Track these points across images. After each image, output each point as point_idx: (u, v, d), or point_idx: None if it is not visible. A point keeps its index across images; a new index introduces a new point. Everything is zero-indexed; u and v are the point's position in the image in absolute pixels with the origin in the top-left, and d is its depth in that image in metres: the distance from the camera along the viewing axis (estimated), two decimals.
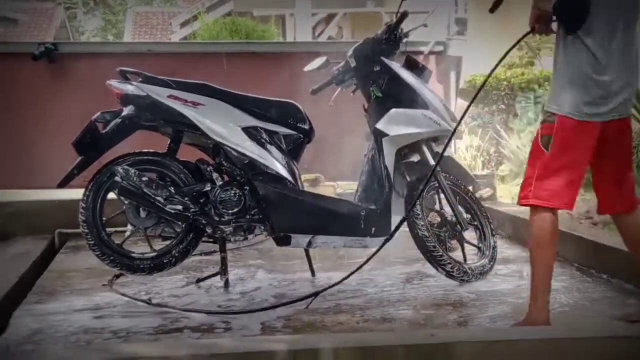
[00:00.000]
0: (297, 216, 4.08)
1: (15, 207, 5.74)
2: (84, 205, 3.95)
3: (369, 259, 3.83)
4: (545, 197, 3.31)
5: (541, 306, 3.31)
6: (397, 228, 3.99)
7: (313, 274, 4.46)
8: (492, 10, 3.54)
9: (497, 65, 3.63)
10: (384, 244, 3.92)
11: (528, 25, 3.38)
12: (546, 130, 3.34)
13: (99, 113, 4.03)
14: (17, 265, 4.55)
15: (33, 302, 4.00)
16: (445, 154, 4.35)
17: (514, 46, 3.51)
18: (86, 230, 3.94)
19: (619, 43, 3.25)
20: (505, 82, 8.84)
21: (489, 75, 3.77)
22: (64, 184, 3.98)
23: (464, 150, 8.03)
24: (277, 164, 4.04)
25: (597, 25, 3.22)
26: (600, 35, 3.23)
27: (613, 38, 3.24)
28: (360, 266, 3.82)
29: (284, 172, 4.05)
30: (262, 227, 4.11)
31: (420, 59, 4.88)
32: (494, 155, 8.28)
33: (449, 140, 3.96)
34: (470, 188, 4.66)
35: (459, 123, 3.95)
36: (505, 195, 6.73)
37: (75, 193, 4.16)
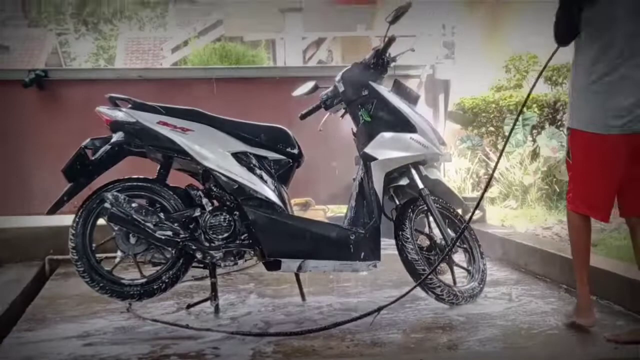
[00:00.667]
0: (286, 241, 4.07)
1: (6, 234, 5.72)
2: (73, 231, 3.93)
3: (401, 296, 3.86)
4: (576, 204, 3.72)
5: (582, 294, 3.74)
6: (414, 287, 4.03)
7: (304, 298, 4.44)
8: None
9: (537, 80, 4.13)
10: (415, 286, 3.93)
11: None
12: (568, 143, 3.76)
13: (88, 139, 4.03)
14: (8, 292, 4.53)
15: (23, 329, 3.97)
16: (434, 177, 4.39)
17: (548, 62, 3.96)
18: (76, 257, 3.92)
19: (629, 62, 3.51)
20: (493, 105, 8.89)
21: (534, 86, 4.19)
22: (53, 210, 3.97)
23: (454, 173, 8.05)
24: (266, 189, 4.05)
25: (606, 45, 3.52)
26: (609, 55, 3.52)
27: (622, 57, 3.51)
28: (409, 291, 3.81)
29: (273, 197, 4.06)
30: (252, 252, 4.10)
31: (408, 82, 4.89)
32: (484, 177, 8.30)
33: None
34: (460, 211, 4.67)
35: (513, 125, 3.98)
36: (495, 218, 6.74)
37: (66, 219, 4.15)
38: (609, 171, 3.62)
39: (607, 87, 3.54)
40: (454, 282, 4.31)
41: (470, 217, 4.28)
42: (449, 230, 4.34)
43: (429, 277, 4.12)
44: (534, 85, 4.20)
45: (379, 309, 3.89)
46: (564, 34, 3.67)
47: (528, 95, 4.31)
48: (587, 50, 3.61)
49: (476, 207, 4.37)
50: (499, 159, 4.47)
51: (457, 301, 4.20)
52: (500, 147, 8.49)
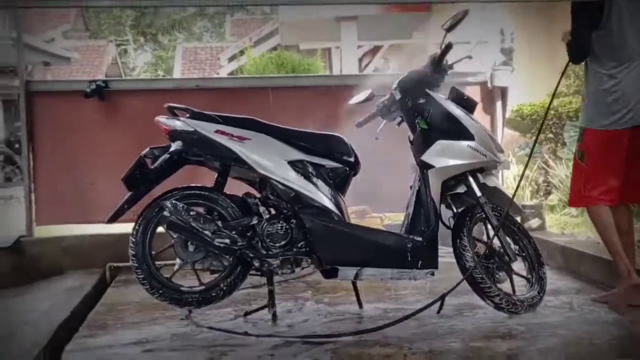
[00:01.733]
0: (343, 249, 4.09)
1: (68, 242, 5.84)
2: (133, 239, 4.00)
3: (438, 299, 3.94)
4: (593, 197, 4.38)
5: (623, 269, 4.31)
6: (460, 283, 4.01)
7: (360, 306, 4.44)
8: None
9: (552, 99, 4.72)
10: (456, 286, 3.90)
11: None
12: (580, 147, 4.49)
13: (148, 149, 4.10)
14: (70, 298, 4.63)
15: (85, 335, 4.05)
16: (492, 184, 4.35)
17: (562, 77, 4.48)
18: (136, 264, 3.99)
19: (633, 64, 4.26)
20: (552, 111, 8.76)
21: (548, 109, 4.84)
22: (114, 219, 4.05)
23: (512, 180, 7.96)
24: (323, 196, 4.06)
25: (617, 57, 4.27)
26: (614, 60, 4.28)
27: (627, 60, 4.27)
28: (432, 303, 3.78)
29: (330, 204, 4.07)
30: (309, 260, 4.12)
31: (465, 89, 4.86)
32: (543, 184, 8.19)
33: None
34: (518, 219, 4.62)
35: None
36: (555, 226, 6.65)
37: (126, 228, 4.22)
38: (620, 161, 4.32)
39: (617, 89, 4.26)
40: (513, 291, 4.26)
41: (506, 212, 4.31)
42: (507, 238, 4.30)
43: (487, 285, 4.09)
44: (553, 94, 4.67)
45: (442, 297, 4.03)
46: (577, 54, 4.36)
47: (550, 102, 4.75)
48: (599, 60, 4.33)
49: (510, 203, 4.34)
50: (527, 162, 4.67)
51: (517, 310, 4.15)
52: (560, 154, 8.37)
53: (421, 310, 3.97)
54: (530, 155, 4.61)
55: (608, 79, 4.30)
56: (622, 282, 4.35)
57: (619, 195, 4.37)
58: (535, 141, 4.87)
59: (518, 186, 4.61)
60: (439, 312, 4.11)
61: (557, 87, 4.58)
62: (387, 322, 3.91)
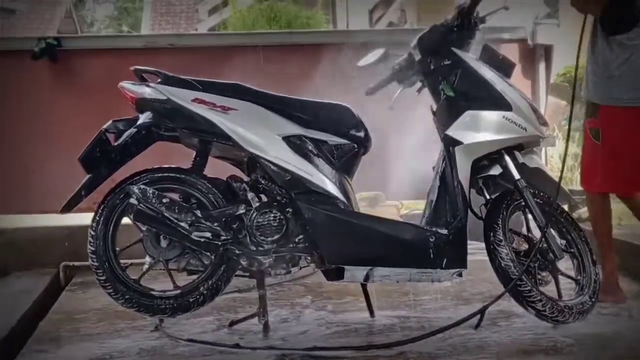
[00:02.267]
0: (351, 244, 4.08)
1: (12, 236, 5.84)
2: (93, 233, 3.99)
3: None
4: (597, 184, 4.77)
5: (608, 272, 4.72)
6: (502, 295, 3.97)
7: (372, 314, 4.45)
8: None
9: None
10: (497, 298, 3.92)
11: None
12: (593, 124, 4.71)
13: (110, 122, 4.08)
14: (16, 305, 4.64)
15: (34, 350, 4.05)
16: (533, 164, 4.34)
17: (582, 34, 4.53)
18: (96, 264, 3.98)
19: None
20: None
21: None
22: (69, 208, 4.04)
23: (558, 160, 7.95)
24: (326, 180, 4.06)
25: None
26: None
27: None
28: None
29: (334, 190, 4.07)
30: (309, 258, 4.12)
31: (500, 48, 4.85)
32: None
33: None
34: (566, 207, 4.61)
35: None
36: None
37: (84, 218, 4.22)
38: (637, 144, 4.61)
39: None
40: (560, 295, 4.27)
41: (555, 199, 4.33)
42: (552, 230, 4.30)
43: (528, 288, 4.09)
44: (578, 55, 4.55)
45: (482, 310, 4.08)
46: (618, 23, 4.54)
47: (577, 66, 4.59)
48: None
49: (558, 188, 4.34)
50: (568, 136, 4.55)
51: (563, 318, 4.16)
52: None
53: (449, 327, 3.97)
54: (569, 128, 4.56)
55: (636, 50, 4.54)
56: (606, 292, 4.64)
57: (629, 182, 4.76)
58: (571, 112, 4.77)
59: (563, 166, 4.61)
60: (477, 327, 4.11)
61: (579, 51, 4.54)
62: (404, 335, 3.92)
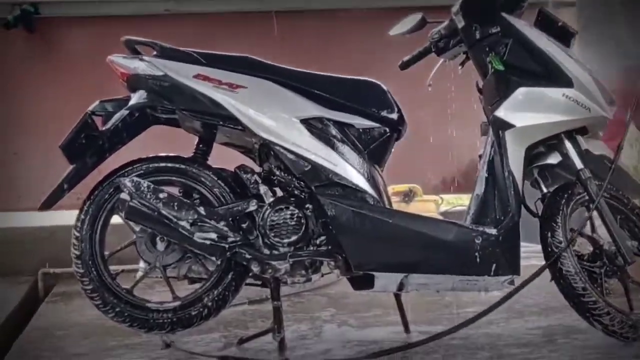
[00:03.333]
0: (382, 246, 4.07)
1: None
2: (77, 234, 4.01)
3: (491, 309, 3.81)
4: None
5: None
6: (539, 273, 3.97)
7: (407, 329, 4.45)
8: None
9: None
10: (520, 287, 3.91)
11: None
12: None
13: (97, 102, 4.09)
14: None
15: None
16: (599, 151, 4.32)
17: None
18: (81, 270, 3.99)
19: None
20: None
21: None
22: (49, 204, 4.04)
23: (629, 147, 7.92)
24: (352, 170, 4.05)
25: None
26: None
27: None
28: (478, 316, 3.80)
29: (362, 182, 4.06)
30: (333, 264, 4.11)
31: (560, 13, 4.83)
32: None
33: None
34: (637, 201, 4.60)
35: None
36: None
37: (66, 217, 4.23)
38: None
39: None
40: (631, 308, 4.26)
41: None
42: (622, 231, 4.28)
43: (593, 299, 4.07)
44: None
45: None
46: None
47: None
48: None
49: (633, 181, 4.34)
50: (629, 115, 4.48)
51: (635, 335, 4.15)
52: None
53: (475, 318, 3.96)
54: (633, 106, 4.52)
55: None
56: None
57: None
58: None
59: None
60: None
61: None
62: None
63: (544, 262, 4.17)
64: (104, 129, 4.03)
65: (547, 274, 4.17)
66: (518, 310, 4.69)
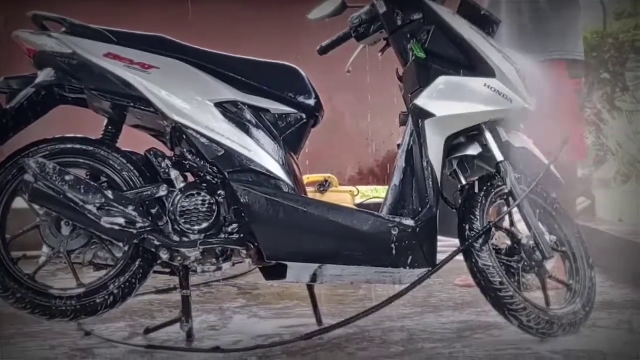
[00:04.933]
0: (296, 236, 4.07)
1: None
2: None
3: (394, 298, 3.84)
4: None
5: None
6: (450, 258, 3.99)
7: (319, 321, 4.46)
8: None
9: None
10: (424, 277, 3.94)
11: None
12: None
13: (1, 79, 4.05)
14: None
15: None
16: (520, 144, 4.37)
17: None
18: None
19: None
20: (610, 40, 8.76)
21: None
22: None
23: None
24: (266, 156, 4.05)
25: None
26: None
27: None
28: (378, 306, 3.82)
29: (276, 169, 4.06)
30: (244, 252, 4.11)
31: (483, 1, 4.88)
32: (593, 148, 8.24)
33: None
34: (557, 196, 4.66)
35: None
36: (609, 209, 6.72)
37: None
38: None
39: None
40: (547, 303, 4.31)
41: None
42: (540, 224, 4.33)
43: (509, 294, 4.10)
44: None
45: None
46: None
47: None
48: None
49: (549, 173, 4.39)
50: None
51: (552, 331, 4.20)
52: (618, 103, 8.41)
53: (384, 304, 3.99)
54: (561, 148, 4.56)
55: None
56: None
57: None
58: None
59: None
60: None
61: None
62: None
63: (460, 256, 4.19)
64: (7, 107, 3.98)
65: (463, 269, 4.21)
66: (433, 305, 4.73)
